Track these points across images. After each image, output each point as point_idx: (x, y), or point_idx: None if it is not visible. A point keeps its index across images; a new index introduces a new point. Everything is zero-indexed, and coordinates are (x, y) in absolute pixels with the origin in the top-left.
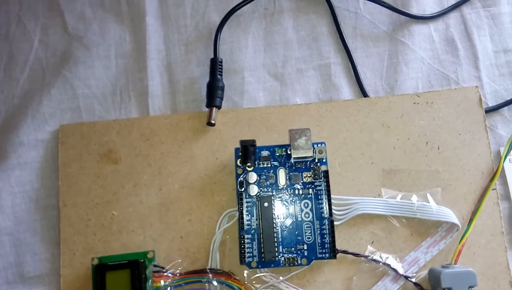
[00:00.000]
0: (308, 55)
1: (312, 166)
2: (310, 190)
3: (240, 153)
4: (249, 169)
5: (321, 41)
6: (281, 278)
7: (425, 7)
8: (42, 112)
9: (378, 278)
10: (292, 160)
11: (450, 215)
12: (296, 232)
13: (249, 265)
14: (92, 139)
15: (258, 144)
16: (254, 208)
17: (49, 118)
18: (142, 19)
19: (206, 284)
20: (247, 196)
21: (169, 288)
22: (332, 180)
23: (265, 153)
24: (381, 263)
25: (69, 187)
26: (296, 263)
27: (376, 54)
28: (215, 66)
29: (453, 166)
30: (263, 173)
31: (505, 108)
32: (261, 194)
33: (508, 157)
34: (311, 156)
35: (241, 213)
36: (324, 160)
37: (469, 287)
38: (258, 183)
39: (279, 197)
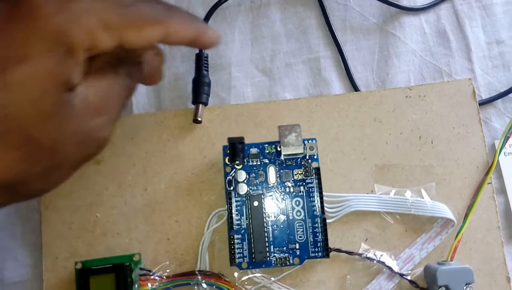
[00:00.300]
0: (297, 49)
1: (303, 163)
2: (302, 187)
3: (228, 151)
4: (237, 167)
5: (309, 34)
6: (273, 278)
7: None
8: None
9: (372, 276)
10: (282, 157)
11: (445, 211)
12: (288, 231)
13: (239, 266)
14: None
15: (246, 141)
16: (244, 207)
17: None
18: None
19: (195, 287)
20: (236, 195)
21: None
22: (324, 177)
23: (254, 150)
24: (375, 261)
25: None
26: (288, 263)
27: (367, 47)
28: (201, 61)
29: (447, 160)
30: (253, 171)
31: (499, 100)
32: (251, 192)
33: (503, 150)
34: (301, 153)
35: (230, 213)
36: (315, 157)
37: (466, 284)
38: (247, 181)
39: (270, 196)
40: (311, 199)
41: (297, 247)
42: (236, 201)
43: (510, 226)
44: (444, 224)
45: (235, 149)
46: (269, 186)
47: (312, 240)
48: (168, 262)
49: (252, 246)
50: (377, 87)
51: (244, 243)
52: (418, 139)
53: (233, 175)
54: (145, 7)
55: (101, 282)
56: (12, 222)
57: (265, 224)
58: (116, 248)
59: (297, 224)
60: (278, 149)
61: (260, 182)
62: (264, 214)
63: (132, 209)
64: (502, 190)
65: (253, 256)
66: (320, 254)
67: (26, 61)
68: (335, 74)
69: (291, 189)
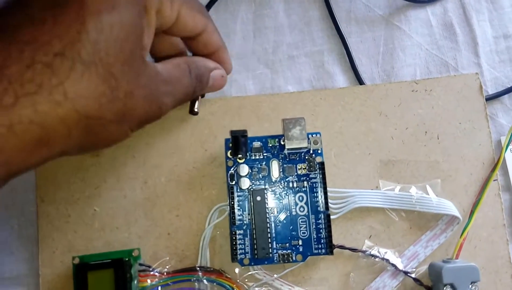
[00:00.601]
0: (300, 41)
1: (306, 157)
2: (305, 182)
3: (231, 144)
4: (240, 161)
5: (313, 26)
6: (275, 275)
7: None
8: None
9: (376, 274)
10: (285, 151)
11: (450, 208)
12: (291, 227)
13: (241, 262)
14: None
15: (249, 134)
16: (246, 202)
17: None
18: None
19: (196, 283)
20: (238, 190)
21: (158, 288)
22: (327, 172)
23: (257, 144)
24: (379, 258)
25: (47, 181)
26: (290, 260)
27: (371, 40)
28: None
29: (453, 156)
30: (255, 165)
31: (506, 95)
32: (253, 187)
33: (509, 147)
34: (305, 147)
35: (232, 208)
36: (319, 151)
37: (471, 282)
38: (250, 175)
39: (272, 191)
40: (315, 194)
41: (300, 243)
42: (238, 196)
43: None
44: (449, 221)
45: (238, 143)
46: (272, 180)
47: (315, 236)
48: (168, 258)
49: (255, 242)
50: (382, 80)
51: (246, 239)
52: (424, 134)
53: (235, 169)
54: (197, 0)
55: (99, 278)
56: (7, 215)
57: (267, 219)
58: (114, 242)
59: (300, 220)
60: (282, 143)
61: (262, 177)
62: (266, 209)
63: (131, 202)
64: (508, 187)
65: (255, 252)
66: (323, 251)
67: (115, 9)
68: (339, 67)
69: (295, 184)
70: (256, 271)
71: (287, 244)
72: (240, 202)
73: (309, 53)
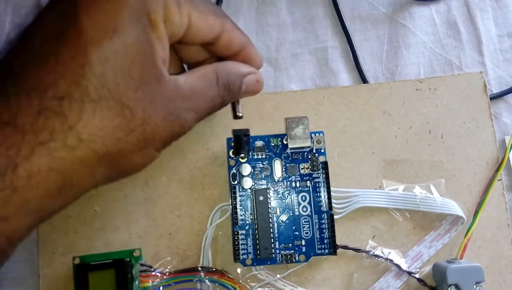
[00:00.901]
0: (304, 38)
1: (310, 156)
2: (308, 182)
3: (233, 144)
4: (242, 160)
5: (317, 23)
6: (278, 275)
7: None
8: None
9: (380, 274)
10: (288, 151)
11: (454, 208)
12: (294, 227)
13: (243, 263)
14: None
15: (251, 133)
16: (248, 202)
17: None
18: None
19: (198, 284)
20: (240, 190)
21: (160, 288)
22: (331, 171)
23: (259, 143)
24: (383, 259)
25: None
26: (293, 260)
27: (375, 38)
28: None
29: (457, 155)
30: (258, 164)
31: (510, 95)
32: (256, 187)
33: None
34: (309, 146)
35: (234, 208)
36: (322, 151)
37: (476, 283)
38: (252, 175)
39: (275, 190)
40: (318, 194)
41: (303, 243)
42: (240, 196)
43: None
44: (453, 221)
45: (240, 142)
46: (275, 180)
47: (318, 236)
48: (169, 258)
49: (257, 242)
50: (386, 79)
51: (249, 239)
52: (428, 133)
53: (237, 168)
54: (208, 1)
55: (100, 278)
56: None
57: (270, 219)
58: (115, 243)
59: (303, 220)
60: (285, 142)
61: (265, 176)
62: (269, 209)
63: (132, 202)
64: None
65: (258, 252)
66: (326, 251)
67: (116, 32)
68: (342, 65)
69: (298, 184)
70: (259, 272)
71: (290, 244)
72: (242, 202)
73: (313, 51)
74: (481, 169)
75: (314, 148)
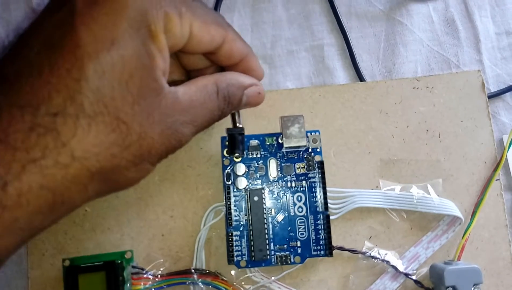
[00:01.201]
0: (300, 35)
1: (305, 156)
2: (304, 182)
3: (227, 143)
4: (236, 160)
5: (313, 20)
6: (272, 277)
7: None
8: None
9: (376, 276)
10: (283, 150)
11: (452, 208)
12: (289, 228)
13: (237, 265)
14: None
15: (246, 132)
16: (243, 202)
17: None
18: None
19: (191, 286)
20: (235, 190)
21: None
22: (327, 171)
23: (254, 142)
24: (379, 260)
25: None
26: (289, 262)
27: (372, 35)
28: None
29: (454, 155)
30: (252, 164)
31: (508, 93)
32: (250, 187)
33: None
34: (304, 145)
35: (228, 208)
36: (318, 150)
37: (474, 285)
38: (246, 175)
39: (270, 190)
40: (314, 194)
41: (299, 245)
42: (234, 196)
43: None
44: (451, 221)
45: (234, 141)
46: (270, 180)
47: (314, 237)
48: (162, 260)
49: (252, 243)
50: (383, 77)
51: (243, 240)
52: (425, 132)
53: (231, 168)
54: (209, 10)
55: (90, 281)
56: None
57: (265, 220)
58: (106, 244)
59: (298, 221)
60: (280, 141)
61: (260, 176)
62: (264, 209)
63: (123, 202)
64: (510, 187)
65: (253, 254)
66: (322, 252)
67: (114, 44)
68: (339, 62)
69: (293, 184)
70: (253, 274)
71: (285, 246)
72: (237, 202)
73: (309, 48)
74: (479, 169)
75: (310, 147)
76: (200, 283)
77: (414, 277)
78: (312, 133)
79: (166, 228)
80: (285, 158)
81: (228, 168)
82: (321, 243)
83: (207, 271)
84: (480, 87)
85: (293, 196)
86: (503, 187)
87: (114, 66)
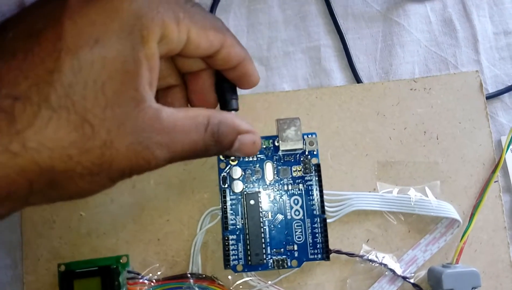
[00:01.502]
0: (296, 37)
1: (302, 159)
2: (300, 185)
3: None
4: (233, 163)
5: (309, 21)
6: (269, 282)
7: None
8: None
9: (374, 279)
10: (280, 153)
11: (450, 210)
12: (286, 232)
13: (234, 269)
14: None
15: None
16: (239, 206)
17: None
18: None
19: None
20: (231, 193)
21: None
22: (324, 174)
23: None
24: (377, 263)
25: None
26: (285, 265)
27: (369, 36)
28: None
29: (452, 157)
30: (249, 167)
31: (506, 94)
32: (247, 190)
33: (510, 147)
34: (301, 148)
35: (224, 212)
36: (315, 153)
37: (472, 288)
38: (243, 178)
39: (267, 194)
40: (311, 197)
41: (295, 248)
42: (231, 200)
43: None
44: (449, 224)
45: None
46: (266, 183)
47: (311, 241)
48: (158, 265)
49: (248, 247)
50: (380, 78)
51: (240, 244)
52: (423, 134)
53: (227, 171)
54: (208, 15)
55: (86, 286)
56: None
57: (261, 224)
58: (102, 249)
59: (295, 224)
60: (276, 144)
61: (256, 179)
62: (260, 213)
63: (119, 207)
64: (508, 189)
65: (249, 258)
66: (319, 256)
67: (99, 42)
68: (336, 64)
69: (290, 187)
70: (250, 278)
71: (282, 249)
72: (233, 206)
73: (305, 50)
74: (477, 171)
75: (307, 150)
76: (196, 288)
77: (412, 281)
78: (309, 136)
79: (162, 232)
80: (281, 161)
81: (224, 171)
82: (318, 246)
83: (204, 276)
84: (478, 88)
85: (289, 199)
86: (502, 188)
87: (93, 65)
